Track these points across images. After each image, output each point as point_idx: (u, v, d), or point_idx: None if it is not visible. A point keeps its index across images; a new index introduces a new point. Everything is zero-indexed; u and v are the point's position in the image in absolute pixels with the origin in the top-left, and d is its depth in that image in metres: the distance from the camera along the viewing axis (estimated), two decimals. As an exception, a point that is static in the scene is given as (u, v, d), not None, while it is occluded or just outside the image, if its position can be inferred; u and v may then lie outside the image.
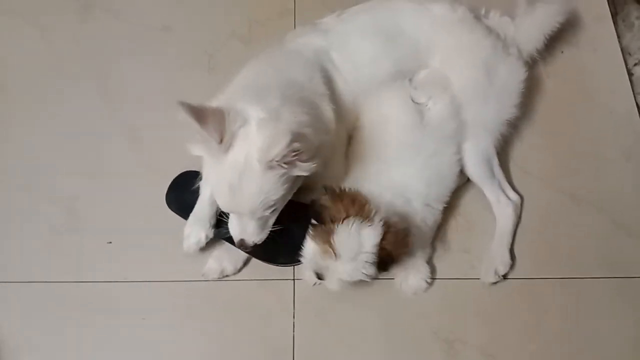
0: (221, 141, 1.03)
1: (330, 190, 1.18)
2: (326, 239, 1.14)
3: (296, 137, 0.99)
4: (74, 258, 1.38)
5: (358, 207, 1.15)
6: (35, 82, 1.59)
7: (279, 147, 1.00)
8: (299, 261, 1.25)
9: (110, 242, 1.39)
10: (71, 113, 1.55)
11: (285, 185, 1.09)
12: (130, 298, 1.34)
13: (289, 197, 1.16)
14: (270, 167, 1.04)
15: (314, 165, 1.07)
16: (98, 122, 1.53)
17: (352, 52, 1.33)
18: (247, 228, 1.17)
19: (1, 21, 1.67)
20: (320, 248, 1.15)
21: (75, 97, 1.57)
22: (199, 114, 1.00)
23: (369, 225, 1.13)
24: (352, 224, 1.13)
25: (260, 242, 1.19)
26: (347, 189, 1.19)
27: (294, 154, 1.02)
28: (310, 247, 1.17)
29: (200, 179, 1.32)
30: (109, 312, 1.33)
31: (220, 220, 1.29)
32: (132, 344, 1.31)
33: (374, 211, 1.15)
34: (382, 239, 1.13)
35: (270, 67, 1.27)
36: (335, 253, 1.13)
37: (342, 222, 1.13)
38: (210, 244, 1.33)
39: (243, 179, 1.06)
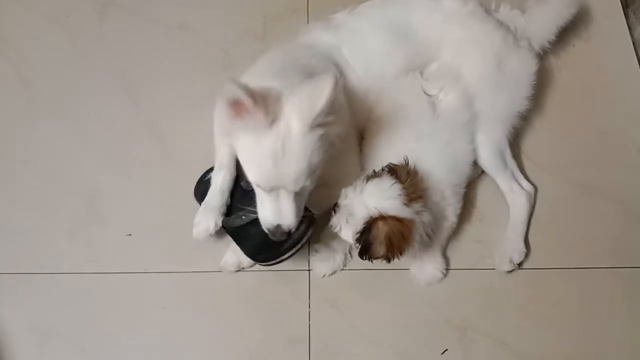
0: (267, 115, 1.05)
1: (407, 163, 1.23)
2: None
3: (337, 83, 1.01)
4: (95, 250, 1.42)
5: (413, 188, 1.18)
6: (59, 78, 1.64)
7: (319, 103, 1.02)
8: (276, 262, 1.29)
9: (130, 235, 1.43)
10: (93, 108, 1.59)
11: (323, 149, 1.11)
12: (150, 288, 1.38)
13: (322, 166, 1.15)
14: (312, 128, 1.06)
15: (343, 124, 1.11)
16: (119, 117, 1.58)
17: (364, 46, 1.35)
18: (282, 209, 1.15)
19: (26, 20, 1.73)
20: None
21: (97, 93, 1.61)
22: (248, 90, 1.02)
23: (403, 203, 1.15)
24: (394, 185, 1.16)
25: (292, 229, 1.17)
26: (420, 175, 1.22)
27: (331, 108, 1.04)
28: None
29: (212, 170, 1.35)
30: (129, 302, 1.37)
31: (228, 213, 1.33)
32: (152, 332, 1.34)
33: (417, 205, 1.17)
34: (390, 219, 1.15)
35: (286, 55, 1.29)
36: (361, 189, 1.17)
37: (392, 178, 1.17)
38: (227, 236, 1.35)
39: (287, 146, 1.07)
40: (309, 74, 1.18)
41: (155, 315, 1.36)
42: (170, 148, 1.52)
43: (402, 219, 1.15)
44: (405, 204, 1.16)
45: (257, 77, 1.15)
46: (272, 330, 1.34)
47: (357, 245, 1.19)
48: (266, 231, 1.17)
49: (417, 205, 1.17)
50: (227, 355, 1.33)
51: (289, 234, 1.17)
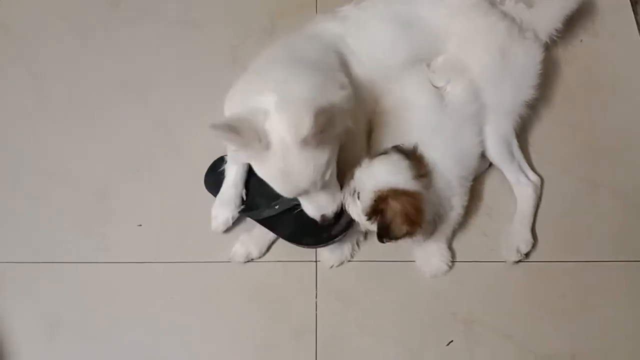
0: (260, 142, 1.08)
1: (415, 148, 1.26)
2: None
3: (318, 113, 1.03)
4: (105, 240, 1.44)
5: (419, 167, 1.21)
6: (69, 74, 1.66)
7: (306, 123, 1.04)
8: (323, 243, 1.32)
9: (141, 225, 1.45)
10: (102, 103, 1.61)
11: (327, 148, 1.13)
12: (159, 278, 1.40)
13: (336, 154, 1.19)
14: (306, 143, 1.08)
15: (344, 123, 1.13)
16: (128, 112, 1.60)
17: (370, 37, 1.36)
18: (319, 202, 1.21)
19: (37, 16, 1.76)
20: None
21: (106, 87, 1.64)
22: (234, 128, 1.06)
23: (411, 178, 1.18)
24: (403, 161, 1.19)
25: (337, 210, 1.23)
26: (425, 160, 1.25)
27: (322, 127, 1.06)
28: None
29: (226, 163, 1.38)
30: (138, 291, 1.39)
31: (250, 205, 1.36)
32: (160, 321, 1.36)
33: (423, 182, 1.20)
34: (400, 194, 1.17)
35: (282, 48, 1.31)
36: (368, 165, 1.21)
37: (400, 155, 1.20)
38: (236, 228, 1.40)
39: (288, 161, 1.10)
40: (295, 64, 1.20)
41: (163, 304, 1.38)
42: (179, 141, 1.54)
43: (413, 192, 1.17)
44: (413, 179, 1.18)
45: (244, 92, 1.19)
46: (279, 321, 1.35)
47: (373, 223, 1.21)
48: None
49: (424, 182, 1.20)
50: (235, 345, 1.35)
51: (337, 217, 1.24)
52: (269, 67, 1.23)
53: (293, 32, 1.40)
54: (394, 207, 1.17)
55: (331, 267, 1.39)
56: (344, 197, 1.24)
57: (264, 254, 1.40)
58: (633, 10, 1.70)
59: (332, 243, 1.33)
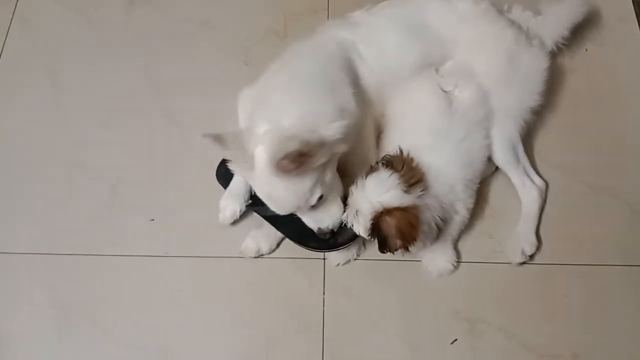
0: (246, 162, 1.16)
1: (402, 152, 1.28)
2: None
3: (292, 144, 1.09)
4: (118, 233, 1.47)
5: (410, 174, 1.24)
6: (84, 69, 1.70)
7: (279, 155, 1.09)
8: (328, 249, 1.36)
9: (153, 220, 1.48)
10: (117, 98, 1.65)
11: (308, 176, 1.18)
12: (169, 272, 1.43)
13: (329, 176, 1.23)
14: (284, 172, 1.13)
15: (328, 155, 1.17)
16: (142, 107, 1.63)
17: (380, 43, 1.39)
18: (316, 217, 1.27)
19: (54, 12, 1.80)
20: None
21: (121, 84, 1.67)
22: (222, 141, 1.14)
23: (402, 190, 1.21)
24: (391, 176, 1.22)
25: (335, 225, 1.28)
26: (415, 162, 1.27)
27: (298, 156, 1.11)
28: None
29: None
30: (148, 284, 1.42)
31: (258, 200, 1.38)
32: (169, 314, 1.39)
33: (417, 190, 1.23)
34: (396, 210, 1.20)
35: (289, 65, 1.34)
36: (362, 186, 1.24)
37: (388, 170, 1.23)
38: (247, 223, 1.42)
39: (271, 187, 1.18)
40: (311, 96, 1.23)
41: (173, 297, 1.40)
42: (192, 138, 1.56)
43: (407, 207, 1.20)
44: (405, 191, 1.21)
45: (250, 111, 1.26)
46: (287, 316, 1.38)
47: (373, 240, 1.26)
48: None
49: (417, 190, 1.23)
50: (243, 338, 1.37)
51: (333, 231, 1.29)
52: (272, 88, 1.27)
53: (305, 36, 1.42)
54: (389, 222, 1.21)
55: (337, 265, 1.42)
56: (347, 216, 1.27)
57: (274, 250, 1.43)
58: (638, 21, 1.73)
59: (337, 250, 1.37)
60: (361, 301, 1.39)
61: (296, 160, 1.11)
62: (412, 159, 1.27)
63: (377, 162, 1.29)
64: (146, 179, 1.53)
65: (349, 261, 1.42)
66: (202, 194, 1.46)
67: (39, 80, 1.69)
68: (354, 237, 1.32)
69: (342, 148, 1.21)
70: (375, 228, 1.23)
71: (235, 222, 1.42)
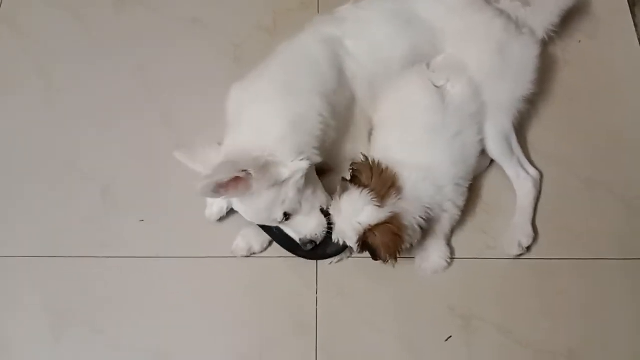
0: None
1: (367, 159, 1.26)
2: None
3: (228, 168, 1.15)
4: (109, 235, 1.46)
5: (381, 184, 1.21)
6: (76, 69, 1.69)
7: (211, 179, 1.15)
8: (316, 259, 1.36)
9: (143, 220, 1.47)
10: (108, 98, 1.64)
11: (263, 195, 1.21)
12: (161, 273, 1.42)
13: (308, 192, 1.26)
14: (215, 193, 1.16)
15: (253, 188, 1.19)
16: (133, 108, 1.62)
17: (370, 37, 1.38)
18: (294, 227, 1.29)
19: (43, 11, 1.79)
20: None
21: (112, 84, 1.66)
22: (192, 158, 1.27)
23: (376, 205, 1.20)
24: (362, 193, 1.21)
25: (317, 238, 1.30)
26: (384, 166, 1.26)
27: (232, 180, 1.15)
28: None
29: None
30: (140, 285, 1.41)
31: None
32: (162, 316, 1.38)
33: (391, 197, 1.22)
34: (378, 225, 1.20)
35: (274, 73, 1.33)
36: (338, 210, 1.24)
37: (358, 188, 1.22)
38: (237, 222, 1.40)
39: (233, 200, 1.29)
40: (286, 115, 1.25)
41: (165, 299, 1.39)
42: (183, 137, 1.55)
43: (386, 220, 1.20)
44: (379, 206, 1.21)
45: (244, 107, 1.28)
46: (280, 315, 1.37)
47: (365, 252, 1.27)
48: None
49: (392, 198, 1.22)
50: (236, 338, 1.36)
51: (315, 243, 1.30)
52: (252, 99, 1.29)
53: (292, 35, 1.41)
54: (374, 239, 1.22)
55: (330, 263, 1.40)
56: (335, 235, 1.27)
57: (266, 248, 1.41)
58: (631, 12, 1.72)
59: (324, 259, 1.37)
60: (354, 299, 1.38)
61: (226, 185, 1.15)
62: (379, 164, 1.26)
63: (343, 179, 1.29)
64: (135, 179, 1.52)
65: (342, 259, 1.41)
66: (191, 194, 1.43)
67: (29, 81, 1.68)
68: (344, 248, 1.32)
69: (317, 159, 1.25)
70: (364, 245, 1.23)
71: (222, 219, 1.41)
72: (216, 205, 1.39)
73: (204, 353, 1.35)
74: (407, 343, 1.34)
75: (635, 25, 1.70)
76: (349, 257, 1.41)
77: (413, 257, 1.40)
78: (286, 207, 1.24)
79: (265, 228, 1.36)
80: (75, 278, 1.42)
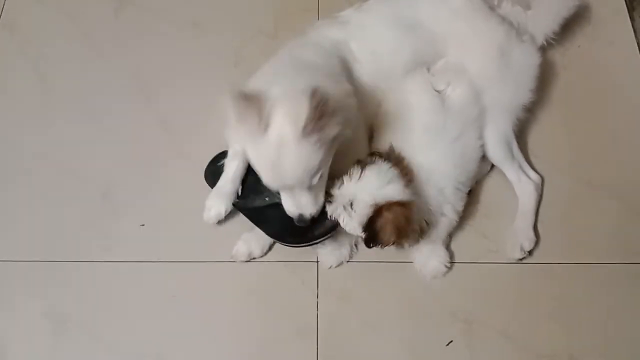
0: (259, 122, 1.09)
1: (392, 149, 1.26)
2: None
3: (314, 94, 1.04)
4: (109, 239, 1.45)
5: (404, 171, 1.22)
6: (75, 73, 1.68)
7: (304, 111, 1.04)
8: (305, 243, 1.31)
9: (143, 225, 1.46)
10: (107, 102, 1.63)
11: (322, 149, 1.12)
12: (161, 277, 1.41)
13: (330, 160, 1.19)
14: (305, 136, 1.08)
15: (342, 124, 1.12)
16: (133, 111, 1.61)
17: (372, 41, 1.38)
18: (301, 201, 1.21)
19: (43, 15, 1.78)
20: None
21: (111, 87, 1.65)
22: (243, 97, 1.07)
23: (404, 187, 1.19)
24: (390, 169, 1.19)
25: (315, 214, 1.23)
26: (405, 161, 1.25)
27: (320, 113, 1.06)
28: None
29: (227, 157, 1.40)
30: (141, 290, 1.40)
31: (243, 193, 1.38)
32: (162, 320, 1.37)
33: (412, 185, 1.21)
34: (391, 205, 1.17)
35: (287, 56, 1.33)
36: (358, 177, 1.19)
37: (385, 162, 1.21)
38: (239, 227, 1.40)
39: (281, 153, 1.10)
40: (303, 70, 1.22)
41: (165, 303, 1.39)
42: (182, 142, 1.55)
43: (405, 202, 1.18)
44: (406, 185, 1.19)
45: (263, 81, 1.19)
46: (281, 320, 1.36)
47: (363, 234, 1.22)
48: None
49: (413, 187, 1.21)
50: (236, 343, 1.35)
51: (313, 220, 1.24)
52: (277, 73, 1.24)
53: (295, 35, 1.41)
54: (386, 217, 1.18)
55: (329, 267, 1.40)
56: (336, 208, 1.23)
57: (266, 253, 1.41)
58: (630, 16, 1.72)
59: (314, 244, 1.33)
60: (355, 304, 1.38)
61: (319, 114, 1.06)
62: (403, 158, 1.26)
63: (370, 155, 1.26)
64: (136, 183, 1.51)
65: (341, 263, 1.40)
66: (192, 198, 1.43)
67: (28, 85, 1.67)
68: (331, 229, 1.28)
69: (348, 130, 1.17)
70: (370, 222, 1.19)
71: (220, 222, 1.40)
72: (214, 209, 1.38)
73: (204, 358, 1.34)
74: (408, 347, 1.34)
75: (634, 30, 1.71)
76: (348, 261, 1.41)
77: (412, 262, 1.39)
78: (325, 171, 1.19)
79: (254, 218, 1.35)
80: (76, 282, 1.41)
